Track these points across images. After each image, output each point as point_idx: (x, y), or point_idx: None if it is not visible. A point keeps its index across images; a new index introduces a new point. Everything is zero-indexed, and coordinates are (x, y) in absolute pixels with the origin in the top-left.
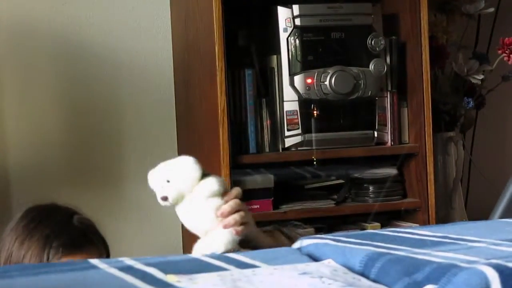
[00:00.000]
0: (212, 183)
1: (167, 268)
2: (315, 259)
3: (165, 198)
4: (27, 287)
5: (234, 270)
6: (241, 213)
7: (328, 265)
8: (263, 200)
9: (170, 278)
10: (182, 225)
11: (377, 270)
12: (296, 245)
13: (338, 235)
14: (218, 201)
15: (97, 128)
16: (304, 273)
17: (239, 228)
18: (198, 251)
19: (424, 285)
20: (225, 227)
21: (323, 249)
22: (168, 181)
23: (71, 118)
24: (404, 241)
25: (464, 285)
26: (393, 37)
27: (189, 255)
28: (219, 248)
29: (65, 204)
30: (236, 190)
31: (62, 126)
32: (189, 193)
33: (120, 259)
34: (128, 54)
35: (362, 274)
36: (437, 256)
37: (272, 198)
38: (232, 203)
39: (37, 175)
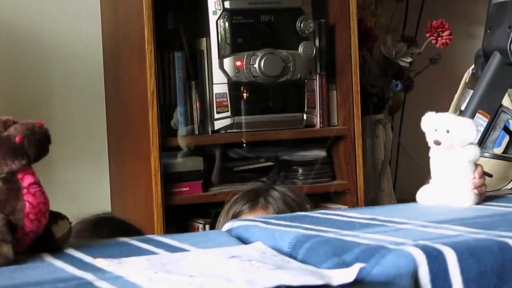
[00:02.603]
0: (476, 152)
1: (95, 252)
2: (244, 241)
3: (438, 143)
4: None
5: (163, 254)
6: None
7: (257, 247)
8: (193, 183)
9: (99, 262)
10: (112, 209)
11: (305, 250)
12: (226, 227)
13: (268, 218)
14: (472, 167)
15: (26, 110)
16: (233, 256)
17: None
18: (427, 199)
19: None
20: (477, 190)
21: (253, 232)
22: (448, 131)
23: None
24: (333, 223)
25: (393, 266)
26: (322, 20)
27: (117, 238)
28: (468, 203)
29: None
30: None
31: None
32: (456, 148)
33: None
34: (56, 35)
35: (290, 255)
36: (366, 238)
37: (202, 181)
38: (482, 179)
39: None
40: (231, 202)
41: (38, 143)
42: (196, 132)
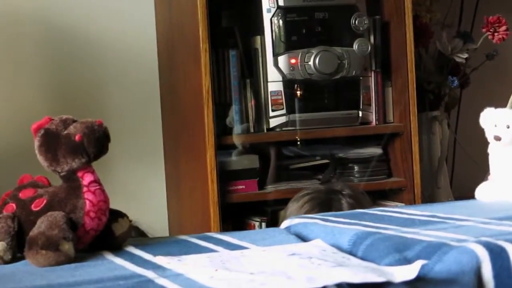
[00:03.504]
0: None
1: (155, 249)
2: (303, 239)
3: (498, 138)
4: None
5: (223, 252)
6: None
7: (317, 245)
8: (249, 181)
9: (159, 260)
10: (168, 207)
11: (365, 247)
12: (285, 224)
13: (327, 215)
14: None
15: (82, 110)
16: (293, 254)
17: None
18: (487, 195)
19: (414, 262)
20: None
21: (312, 229)
22: (508, 126)
23: (55, 101)
24: (392, 220)
25: (455, 263)
26: (377, 16)
27: (177, 236)
28: None
29: None
30: None
31: (47, 109)
32: None
33: None
34: (112, 36)
35: (350, 253)
36: (427, 234)
37: (257, 179)
38: None
39: (22, 158)
40: (301, 201)
41: (97, 141)
42: (252, 130)
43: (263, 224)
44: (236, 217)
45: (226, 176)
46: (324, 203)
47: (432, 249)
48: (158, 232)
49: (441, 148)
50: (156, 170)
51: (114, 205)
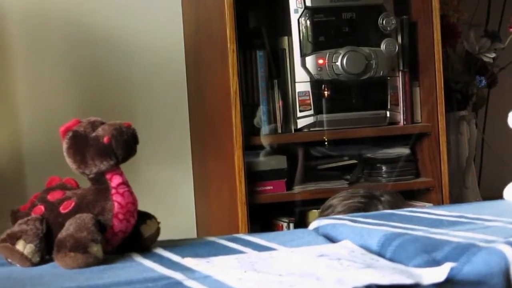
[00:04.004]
0: None
1: (183, 251)
2: (332, 240)
3: None
4: None
5: (251, 253)
6: None
7: (345, 246)
8: (276, 181)
9: (188, 262)
10: (196, 208)
11: (394, 248)
12: (313, 225)
13: (355, 216)
14: None
15: (110, 111)
16: (322, 255)
17: None
18: None
19: (443, 263)
20: None
21: (340, 230)
22: None
23: (83, 102)
24: (421, 221)
25: (484, 264)
26: (404, 16)
27: (205, 238)
28: None
29: None
30: None
31: (75, 110)
32: None
33: None
34: (139, 37)
35: (379, 254)
36: (455, 235)
37: (285, 179)
38: None
39: (51, 160)
40: (339, 207)
41: (125, 144)
42: (279, 130)
43: (291, 225)
44: (264, 217)
45: (253, 177)
46: (362, 210)
47: (461, 250)
48: (186, 234)
49: (469, 148)
50: (183, 171)
51: (142, 206)
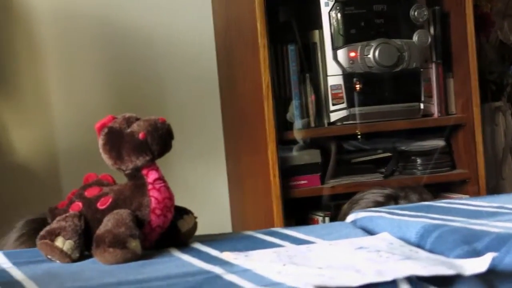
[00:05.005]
0: None
1: (221, 245)
2: (369, 232)
3: None
4: None
5: (289, 246)
6: None
7: (384, 238)
8: (311, 176)
9: (226, 256)
10: (230, 203)
11: (433, 239)
12: (350, 218)
13: (393, 208)
14: None
15: (142, 108)
16: (361, 248)
17: None
18: None
19: (484, 254)
20: None
21: (378, 222)
22: None
23: (116, 100)
24: (459, 212)
25: None
26: (436, 7)
27: (242, 232)
28: None
29: None
30: None
31: (108, 108)
32: None
33: None
34: (170, 34)
35: (418, 246)
36: (495, 226)
37: (320, 173)
38: None
39: (85, 157)
40: (357, 206)
41: (161, 139)
42: (312, 124)
43: (326, 219)
44: (298, 212)
45: (288, 171)
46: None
47: (501, 241)
48: (221, 229)
49: (505, 138)
50: (217, 166)
51: (176, 202)
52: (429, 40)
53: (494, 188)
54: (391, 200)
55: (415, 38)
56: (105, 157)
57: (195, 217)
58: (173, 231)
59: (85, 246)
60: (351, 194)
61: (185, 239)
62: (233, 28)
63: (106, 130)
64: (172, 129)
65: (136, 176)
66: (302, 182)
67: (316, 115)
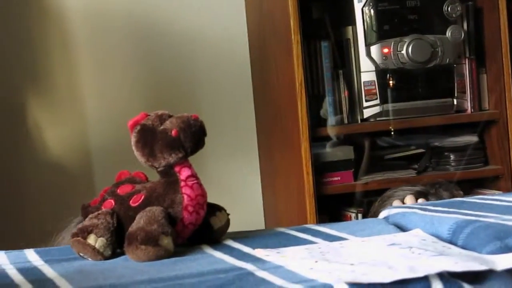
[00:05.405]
0: None
1: (254, 242)
2: (402, 229)
3: None
4: None
5: (321, 243)
6: None
7: (416, 234)
8: (344, 172)
9: (259, 253)
10: (263, 200)
11: (465, 235)
12: (383, 215)
13: (425, 204)
14: None
15: (175, 106)
16: (393, 244)
17: None
18: None
19: None
20: None
21: (410, 219)
22: None
23: (149, 98)
24: (492, 209)
25: None
26: (470, 2)
27: (275, 229)
28: None
29: None
30: None
31: (141, 106)
32: None
33: None
34: (203, 31)
35: (450, 241)
36: None
37: (353, 170)
38: None
39: (118, 155)
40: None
41: (194, 136)
42: (345, 121)
43: (359, 215)
44: (332, 208)
45: (321, 168)
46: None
47: None
48: (254, 226)
49: None
50: (250, 163)
51: (209, 199)
52: (462, 35)
53: None
54: (421, 196)
55: (448, 33)
56: (137, 154)
57: (228, 214)
58: (205, 228)
59: (118, 243)
60: (384, 191)
61: (217, 236)
62: (267, 24)
63: (138, 127)
64: (205, 126)
65: (168, 173)
66: (335, 178)
67: (349, 112)
